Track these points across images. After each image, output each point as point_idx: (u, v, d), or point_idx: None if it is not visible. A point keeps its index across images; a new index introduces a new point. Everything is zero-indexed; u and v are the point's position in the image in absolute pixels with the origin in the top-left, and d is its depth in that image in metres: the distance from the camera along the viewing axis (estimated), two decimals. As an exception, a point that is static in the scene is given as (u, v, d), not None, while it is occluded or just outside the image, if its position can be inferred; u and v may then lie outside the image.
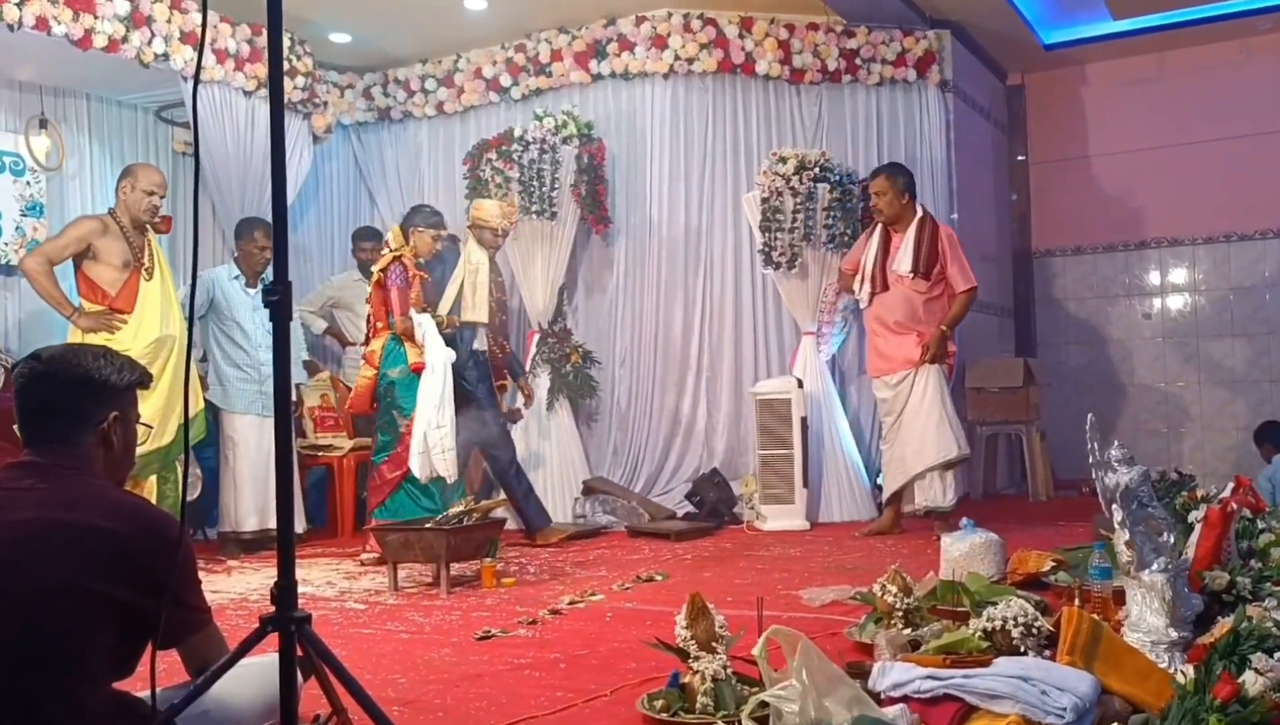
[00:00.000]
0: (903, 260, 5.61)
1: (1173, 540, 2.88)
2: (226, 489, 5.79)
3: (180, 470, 5.15)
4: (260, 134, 6.41)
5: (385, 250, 5.63)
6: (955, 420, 5.63)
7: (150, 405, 4.91)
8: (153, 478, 5.13)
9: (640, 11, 6.88)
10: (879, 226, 5.78)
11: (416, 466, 5.12)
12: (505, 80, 7.29)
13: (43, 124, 6.12)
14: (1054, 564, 3.83)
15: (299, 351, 6.50)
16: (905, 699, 2.27)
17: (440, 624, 3.86)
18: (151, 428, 4.94)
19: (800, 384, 6.20)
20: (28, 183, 6.02)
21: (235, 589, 4.72)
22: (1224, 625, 2.59)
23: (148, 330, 5.16)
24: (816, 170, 6.33)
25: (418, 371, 5.24)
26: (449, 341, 5.41)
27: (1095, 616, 2.61)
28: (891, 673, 2.34)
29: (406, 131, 7.76)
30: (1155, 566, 2.74)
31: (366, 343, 5.57)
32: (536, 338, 6.88)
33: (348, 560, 5.46)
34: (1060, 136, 8.50)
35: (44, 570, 1.83)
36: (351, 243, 7.30)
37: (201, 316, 5.84)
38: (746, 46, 6.87)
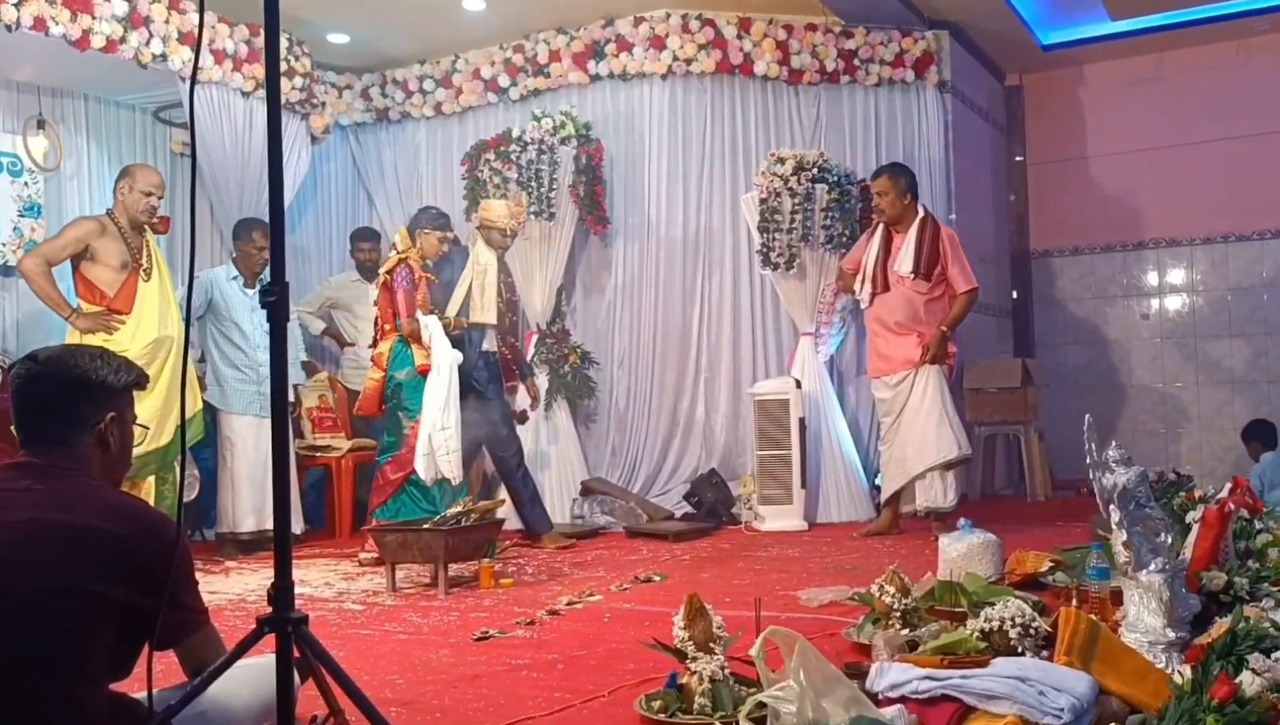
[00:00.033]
0: (904, 261, 5.61)
1: (1170, 541, 2.88)
2: (224, 490, 5.78)
3: (178, 471, 5.15)
4: (258, 134, 6.42)
5: (392, 252, 5.63)
6: (956, 420, 5.63)
7: (148, 406, 4.91)
8: (151, 478, 5.13)
9: (638, 12, 6.89)
10: (880, 226, 5.78)
11: (421, 468, 5.12)
12: (503, 81, 7.29)
13: (40, 124, 6.11)
14: (1052, 564, 3.83)
15: (297, 352, 6.50)
16: (903, 699, 2.27)
17: (438, 625, 3.86)
18: (149, 429, 4.94)
19: (798, 384, 6.20)
20: (25, 183, 6.01)
21: (233, 590, 4.72)
22: (1221, 626, 2.59)
23: (146, 331, 5.16)
24: (815, 171, 6.33)
25: (424, 373, 5.25)
26: (457, 343, 5.41)
27: (1093, 617, 2.62)
28: (889, 673, 2.34)
29: (405, 132, 7.76)
30: (1153, 567, 2.74)
31: (374, 345, 5.58)
32: (535, 338, 6.88)
33: (346, 561, 5.46)
34: (1058, 137, 8.51)
35: (41, 571, 1.83)
36: (350, 243, 7.30)
37: (199, 317, 5.83)
38: (745, 47, 6.87)
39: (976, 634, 2.67)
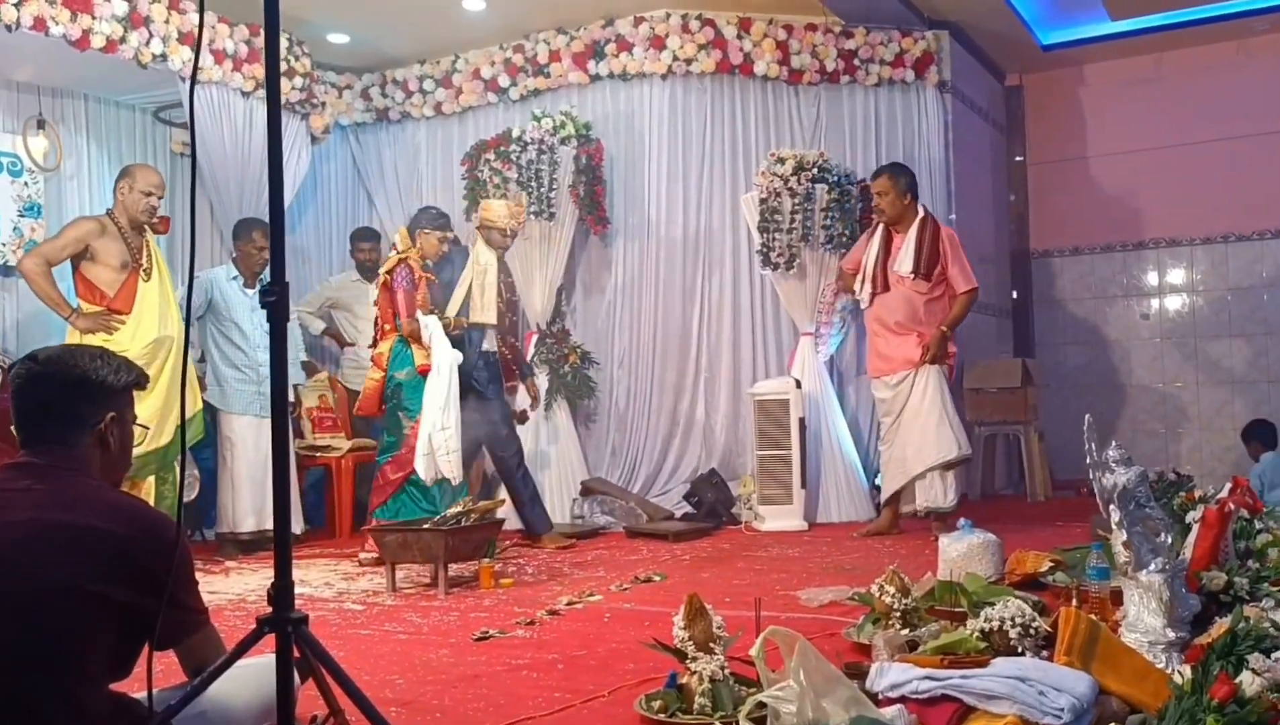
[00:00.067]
0: (904, 261, 5.61)
1: (1170, 541, 2.88)
2: (224, 490, 5.78)
3: (178, 471, 5.15)
4: (258, 134, 6.42)
5: (392, 252, 5.63)
6: (956, 420, 5.62)
7: (148, 406, 4.91)
8: (151, 478, 5.13)
9: (638, 12, 6.89)
10: (880, 226, 5.78)
11: (421, 468, 5.13)
12: (503, 81, 7.29)
13: (40, 124, 6.11)
14: (1052, 564, 3.83)
15: (297, 352, 6.50)
16: (903, 699, 2.27)
17: (438, 625, 3.86)
18: (149, 429, 4.94)
19: (798, 384, 6.20)
20: (25, 183, 6.01)
21: (233, 590, 4.72)
22: (1221, 625, 2.59)
23: (146, 331, 5.16)
24: (815, 171, 6.33)
25: (424, 373, 5.25)
26: (457, 343, 5.41)
27: (1093, 617, 2.62)
28: (889, 673, 2.34)
29: (405, 132, 7.76)
30: (1153, 567, 2.74)
31: (374, 345, 5.58)
32: (535, 339, 6.88)
33: (346, 561, 5.46)
34: (1058, 137, 8.51)
35: (42, 571, 1.83)
36: (350, 243, 7.30)
37: (200, 317, 5.83)
38: (745, 47, 6.87)
39: (976, 634, 2.67)
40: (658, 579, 4.58)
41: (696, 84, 6.94)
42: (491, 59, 7.32)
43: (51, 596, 1.82)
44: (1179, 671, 2.36)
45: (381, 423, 5.69)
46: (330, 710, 2.17)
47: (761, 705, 2.24)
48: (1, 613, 1.81)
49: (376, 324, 5.56)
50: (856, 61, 6.93)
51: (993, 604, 2.76)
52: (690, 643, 2.57)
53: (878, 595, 3.11)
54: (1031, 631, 2.63)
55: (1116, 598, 2.95)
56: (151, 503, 4.89)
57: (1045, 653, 2.56)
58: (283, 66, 6.43)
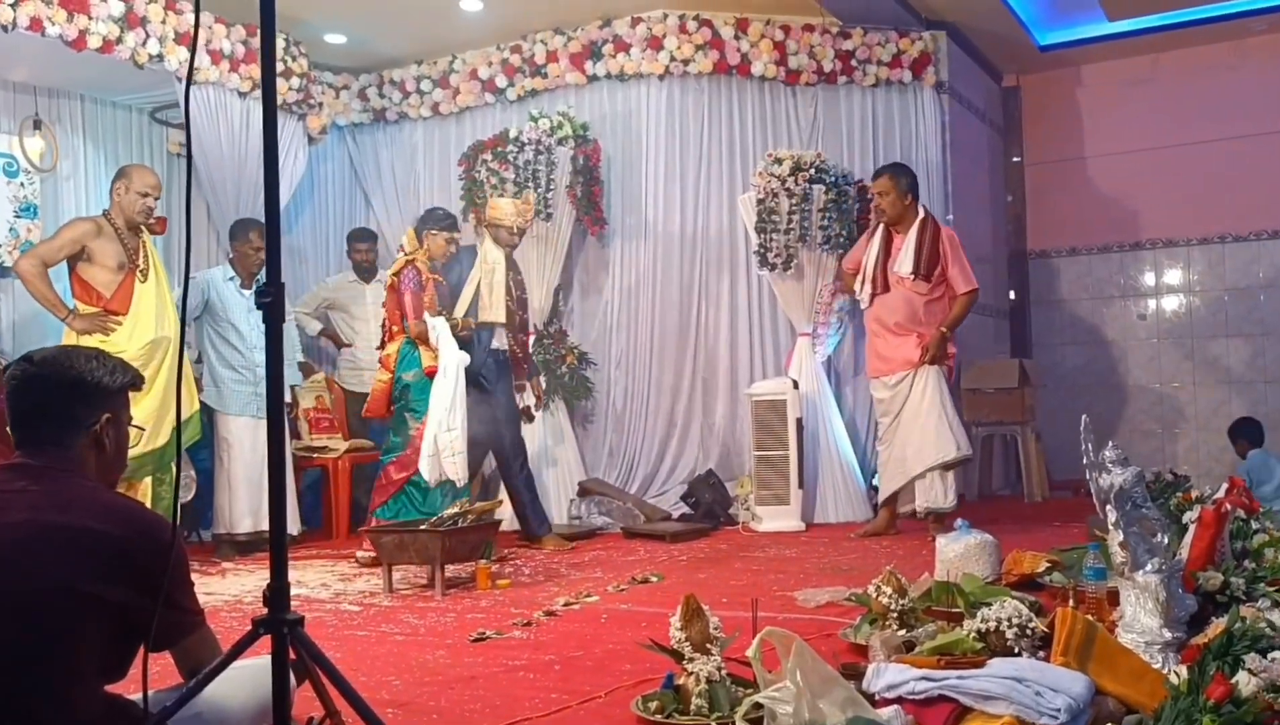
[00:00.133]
0: (904, 262, 5.60)
1: (1167, 541, 2.89)
2: (221, 491, 5.77)
3: (175, 472, 5.14)
4: (255, 135, 6.40)
5: (399, 253, 5.64)
6: (956, 421, 5.62)
7: (145, 407, 4.90)
8: (148, 479, 5.12)
9: (636, 13, 6.89)
10: (880, 227, 5.77)
11: (426, 469, 5.13)
12: (501, 81, 7.29)
13: (37, 125, 6.11)
14: (1049, 565, 3.83)
15: (294, 353, 6.49)
16: (900, 700, 2.27)
17: (435, 626, 3.86)
18: (144, 430, 4.93)
19: (795, 385, 6.20)
20: (22, 184, 6.00)
21: (229, 591, 4.71)
22: (1218, 626, 2.59)
23: (143, 332, 5.15)
24: (812, 171, 6.33)
25: (431, 375, 5.26)
26: (466, 344, 5.41)
27: (1089, 617, 2.62)
28: (886, 674, 2.34)
29: (402, 132, 7.76)
30: (1149, 567, 2.74)
31: (382, 346, 5.59)
32: (532, 339, 6.87)
33: (343, 562, 5.46)
34: (1055, 137, 8.52)
35: (37, 572, 1.83)
36: (346, 244, 7.29)
37: (196, 318, 5.82)
38: (742, 48, 6.87)
39: (973, 634, 2.67)
40: (655, 580, 4.58)
41: (694, 84, 6.94)
42: (489, 59, 7.32)
43: (47, 598, 1.82)
44: (1175, 672, 2.36)
45: (381, 424, 5.68)
46: (326, 711, 2.17)
47: (758, 706, 2.24)
48: (-3, 614, 1.81)
49: (384, 326, 5.57)
50: (854, 62, 6.93)
51: (989, 604, 2.77)
52: (687, 643, 2.57)
53: (875, 596, 3.11)
54: (1028, 632, 2.63)
55: (1113, 598, 2.95)
56: (148, 504, 4.90)
57: (1042, 653, 2.56)
58: (279, 67, 6.44)
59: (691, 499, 6.36)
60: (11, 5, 5.01)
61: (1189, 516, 3.68)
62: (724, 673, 2.52)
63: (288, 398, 6.31)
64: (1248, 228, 7.94)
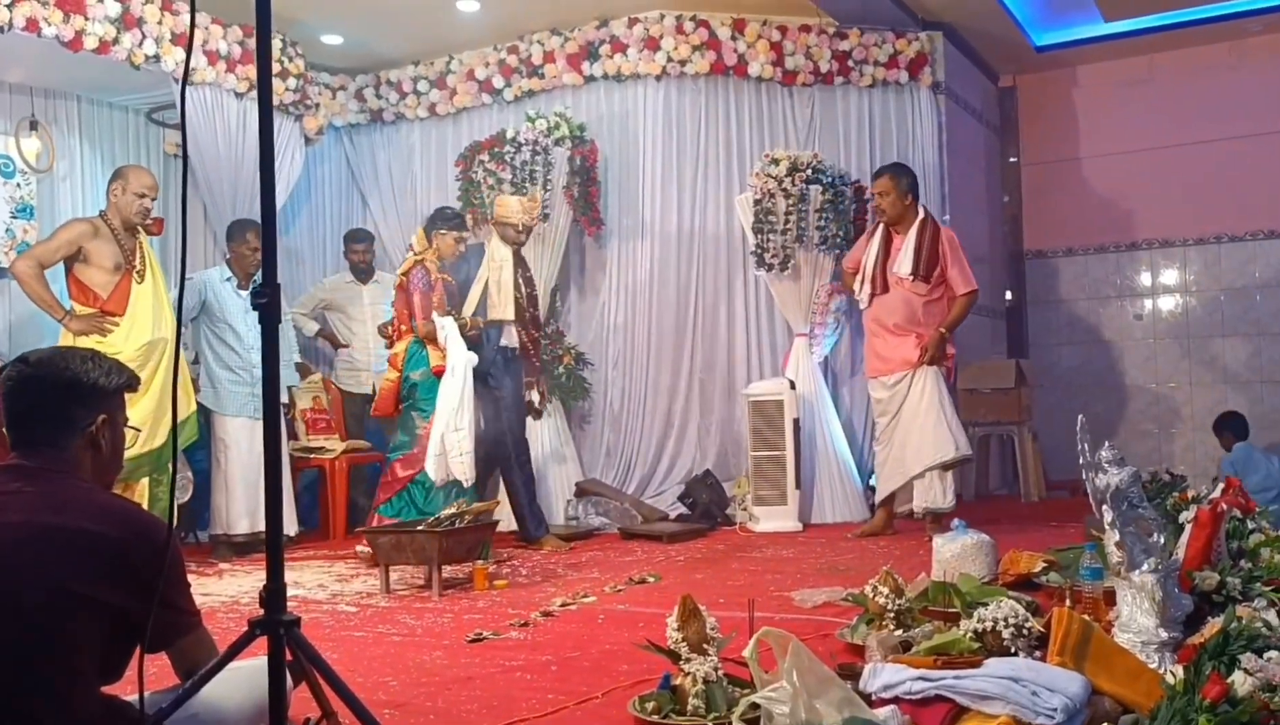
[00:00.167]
0: (903, 262, 5.60)
1: (1163, 541, 2.89)
2: (218, 492, 5.77)
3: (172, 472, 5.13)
4: (252, 136, 6.39)
5: (409, 253, 5.64)
6: (956, 421, 5.61)
7: (142, 408, 4.90)
8: (145, 481, 5.11)
9: (633, 13, 6.89)
10: (880, 227, 5.77)
11: (432, 468, 5.13)
12: (498, 82, 7.29)
13: (33, 126, 6.10)
14: (1045, 565, 3.83)
15: (291, 354, 6.48)
16: (896, 700, 2.27)
17: (432, 626, 3.86)
18: (140, 431, 4.92)
19: (792, 385, 6.20)
20: (18, 185, 6.00)
21: (226, 592, 4.71)
22: (1214, 625, 2.60)
23: (140, 333, 5.14)
24: (809, 172, 6.33)
25: (439, 374, 5.27)
26: (475, 343, 5.41)
27: (1086, 617, 2.62)
28: (882, 674, 2.35)
29: (399, 133, 7.75)
30: (1145, 567, 2.75)
31: (390, 345, 5.60)
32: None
33: (339, 563, 5.45)
34: (1052, 138, 8.53)
35: (33, 574, 1.82)
36: (343, 245, 7.29)
37: (193, 318, 5.82)
38: (739, 48, 6.87)
39: (970, 634, 2.67)
40: (652, 580, 4.58)
41: (691, 85, 6.94)
42: (486, 60, 7.32)
43: (44, 599, 1.81)
44: (1171, 671, 2.36)
45: (379, 425, 5.68)
46: (323, 712, 2.17)
47: (755, 706, 2.24)
48: (-7, 616, 1.81)
49: (393, 325, 5.58)
50: (850, 63, 6.93)
51: (986, 604, 2.77)
52: (684, 644, 2.57)
53: (871, 596, 3.11)
54: (1024, 632, 2.63)
55: (1110, 598, 2.95)
56: (145, 505, 4.89)
57: (1038, 653, 2.56)
58: (276, 68, 6.43)
59: (689, 499, 6.36)
60: (8, 6, 5.01)
61: (1185, 516, 3.68)
62: (721, 673, 2.52)
63: (284, 398, 6.30)
64: (1244, 228, 7.96)
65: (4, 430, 2.03)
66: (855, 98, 7.02)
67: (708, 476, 6.44)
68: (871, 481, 6.22)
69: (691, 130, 6.95)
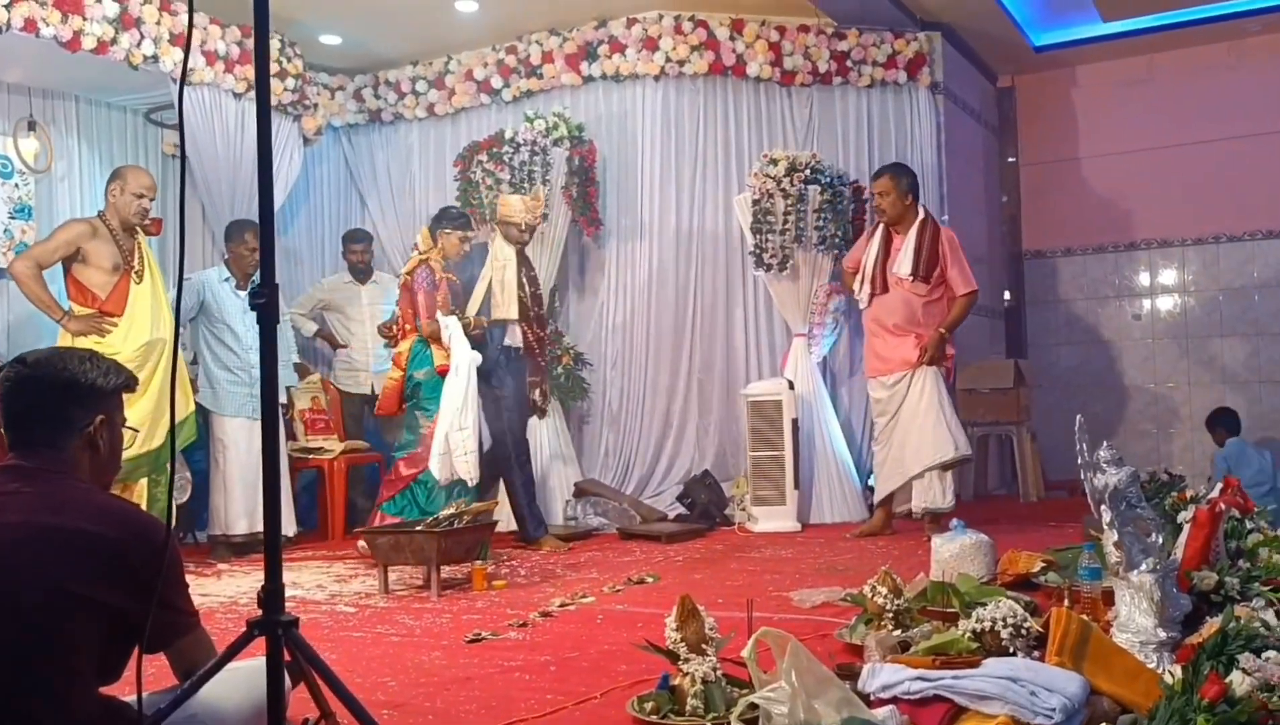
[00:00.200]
0: (903, 263, 5.59)
1: (1161, 541, 2.89)
2: (217, 492, 5.77)
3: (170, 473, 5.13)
4: (250, 136, 6.39)
5: (413, 252, 5.65)
6: (955, 421, 5.61)
7: (140, 409, 4.90)
8: (143, 481, 5.11)
9: (631, 13, 6.89)
10: (881, 227, 5.77)
11: (436, 468, 5.14)
12: (496, 82, 7.29)
13: (31, 126, 6.10)
14: (1044, 565, 3.83)
15: (289, 354, 6.48)
16: (895, 700, 2.27)
17: (430, 627, 3.85)
18: (138, 432, 4.92)
19: (791, 386, 6.20)
20: (16, 185, 6.00)
21: (225, 592, 4.71)
22: (1212, 625, 2.60)
23: (138, 333, 5.14)
24: (807, 172, 6.33)
25: (443, 373, 5.28)
26: (479, 342, 5.42)
27: (1084, 617, 2.62)
28: (881, 674, 2.35)
29: (397, 133, 7.75)
30: (1144, 567, 2.75)
31: (394, 344, 5.60)
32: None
33: (338, 563, 5.45)
34: (1051, 138, 8.53)
35: (31, 574, 1.82)
36: (342, 245, 7.28)
37: (192, 319, 5.82)
38: (737, 48, 6.88)
39: (968, 634, 2.67)
40: (651, 580, 4.58)
41: (689, 85, 6.94)
42: (484, 60, 7.32)
43: (41, 599, 1.81)
44: (1170, 671, 2.36)
45: (379, 425, 5.68)
46: (321, 713, 2.17)
47: (753, 706, 2.24)
48: (-8, 616, 1.80)
49: (398, 323, 5.58)
50: (849, 63, 6.94)
51: (984, 604, 2.77)
52: (683, 644, 2.57)
53: (870, 596, 3.11)
54: (1023, 632, 2.63)
55: (1108, 598, 2.96)
56: (144, 505, 4.89)
57: (1037, 653, 2.56)
58: (274, 68, 6.43)
59: (687, 499, 6.37)
60: (6, 6, 5.01)
61: (1183, 516, 3.68)
62: (719, 673, 2.52)
63: (283, 399, 6.30)
64: (1242, 228, 7.96)
65: (2, 431, 2.02)
66: (854, 98, 7.02)
67: (706, 477, 6.44)
68: (870, 481, 6.22)
69: (690, 130, 6.95)
